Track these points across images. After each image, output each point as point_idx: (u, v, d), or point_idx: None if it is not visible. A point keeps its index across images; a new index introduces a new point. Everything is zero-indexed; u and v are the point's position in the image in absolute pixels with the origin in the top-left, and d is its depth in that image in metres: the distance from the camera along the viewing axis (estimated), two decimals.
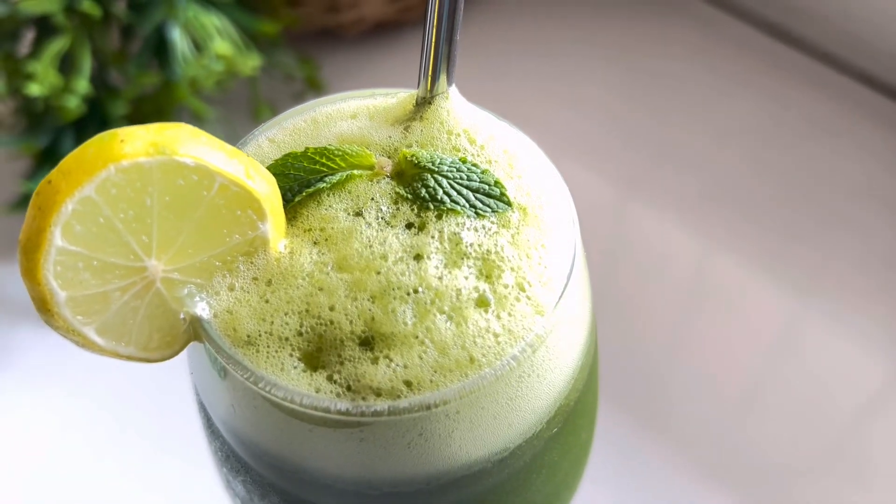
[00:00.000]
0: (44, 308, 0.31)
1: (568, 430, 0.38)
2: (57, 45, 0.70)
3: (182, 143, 0.31)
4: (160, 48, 0.72)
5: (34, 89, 0.69)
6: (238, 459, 0.37)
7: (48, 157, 0.74)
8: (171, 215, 0.32)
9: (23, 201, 0.75)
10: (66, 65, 0.71)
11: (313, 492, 0.35)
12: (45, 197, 0.30)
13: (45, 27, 0.73)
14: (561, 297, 0.33)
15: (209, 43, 0.71)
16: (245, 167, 0.32)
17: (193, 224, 0.32)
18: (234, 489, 0.40)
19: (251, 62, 0.73)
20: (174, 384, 0.67)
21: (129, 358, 0.34)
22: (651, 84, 0.87)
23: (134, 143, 0.31)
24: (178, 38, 0.71)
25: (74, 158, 0.30)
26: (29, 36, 0.75)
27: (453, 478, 0.34)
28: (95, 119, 0.74)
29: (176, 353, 0.34)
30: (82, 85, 0.70)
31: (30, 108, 0.74)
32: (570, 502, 0.44)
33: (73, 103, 0.69)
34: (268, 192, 0.33)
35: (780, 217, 0.76)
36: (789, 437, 0.63)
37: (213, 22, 0.72)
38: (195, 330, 0.33)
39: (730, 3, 0.90)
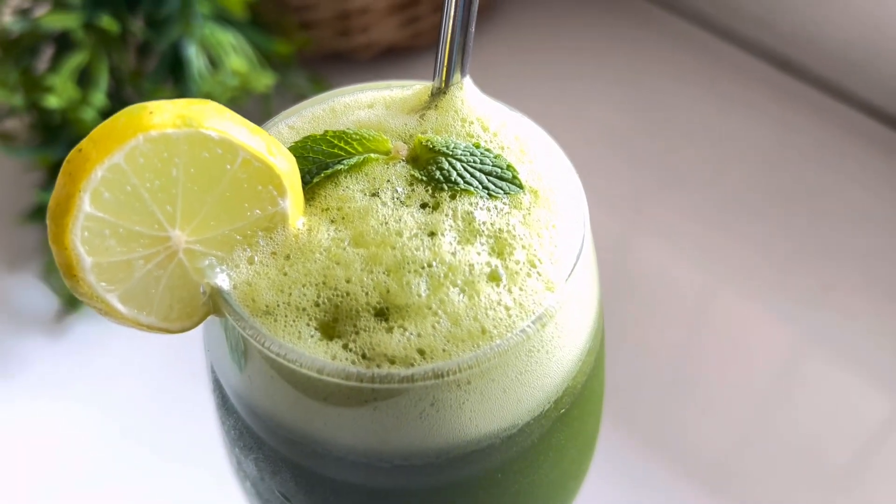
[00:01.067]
0: (69, 274, 0.32)
1: (575, 415, 0.39)
2: (75, 60, 0.72)
3: (208, 117, 0.33)
4: (176, 64, 0.74)
5: (52, 101, 0.71)
6: (251, 435, 0.37)
7: None
8: (196, 187, 0.33)
9: (37, 212, 0.76)
10: (84, 80, 0.73)
11: (325, 465, 0.36)
12: (75, 164, 0.31)
13: (64, 43, 0.75)
14: (570, 274, 0.34)
15: (225, 59, 0.73)
16: (267, 144, 0.34)
17: (216, 197, 0.33)
18: (245, 470, 0.40)
19: (265, 80, 0.75)
20: (183, 393, 0.68)
21: (150, 327, 0.34)
22: (656, 110, 0.88)
23: (162, 114, 0.32)
24: (194, 55, 0.73)
25: (105, 128, 0.32)
26: (47, 52, 0.77)
27: (463, 452, 0.35)
28: None
29: (195, 325, 0.35)
30: (99, 98, 0.72)
31: (46, 121, 0.76)
32: (575, 495, 0.45)
33: (90, 115, 0.71)
34: (288, 169, 0.34)
35: (784, 243, 0.77)
36: (794, 466, 0.64)
37: (228, 39, 0.74)
38: (215, 302, 0.34)
39: (734, 33, 0.93)
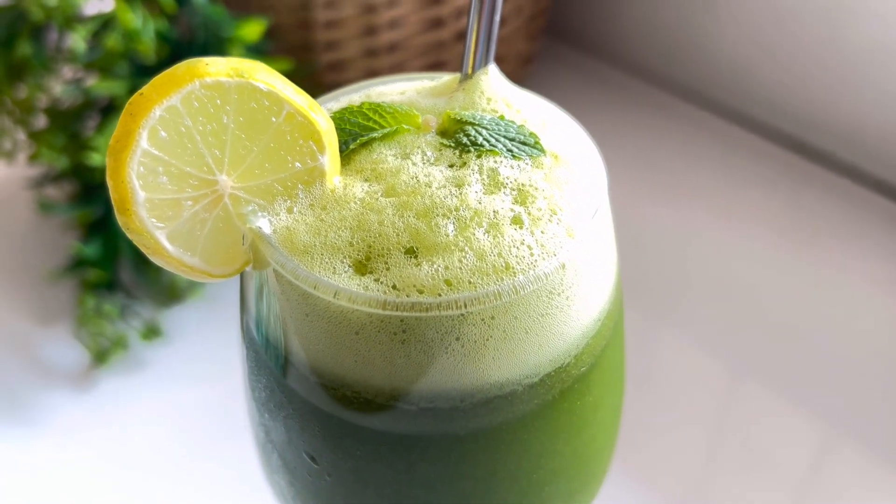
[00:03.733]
0: (123, 208, 0.35)
1: (595, 380, 0.40)
2: None
3: (258, 71, 0.36)
4: None
5: (95, 159, 0.75)
6: (282, 390, 0.39)
7: (100, 227, 0.79)
8: (243, 135, 0.36)
9: (73, 267, 0.79)
10: None
11: (353, 412, 0.37)
12: (136, 105, 0.35)
13: (110, 108, 0.80)
14: (590, 224, 0.36)
15: None
16: (310, 102, 0.37)
17: (262, 147, 0.36)
18: (273, 438, 0.42)
19: None
20: (208, 448, 0.70)
21: (192, 269, 0.37)
22: (669, 194, 0.92)
23: (217, 65, 0.35)
24: None
25: (165, 75, 0.35)
26: (95, 119, 0.82)
27: (486, 397, 0.36)
28: None
29: (234, 273, 0.38)
30: None
31: (87, 180, 0.80)
32: (596, 488, 0.46)
33: None
34: (327, 128, 0.37)
35: (806, 340, 0.76)
36: None
37: None
38: (255, 246, 0.36)
39: (748, 118, 0.97)
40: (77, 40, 0.75)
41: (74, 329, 0.79)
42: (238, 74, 0.35)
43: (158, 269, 0.80)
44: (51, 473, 0.70)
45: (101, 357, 0.77)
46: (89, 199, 0.80)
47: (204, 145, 0.35)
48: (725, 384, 0.73)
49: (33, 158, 0.82)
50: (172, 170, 0.35)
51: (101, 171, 0.78)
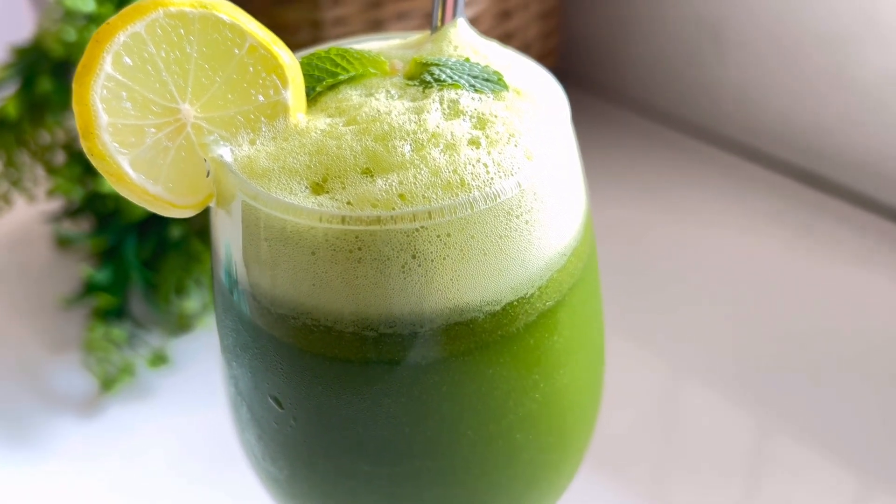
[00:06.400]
0: (87, 132, 0.36)
1: (564, 323, 0.39)
2: None
3: (222, 4, 0.37)
4: None
5: (108, 186, 0.76)
6: (247, 328, 0.39)
7: (112, 255, 0.80)
8: (206, 65, 0.37)
9: (83, 294, 0.80)
10: None
11: (314, 341, 0.37)
12: (102, 32, 0.36)
13: None
14: (550, 150, 0.36)
15: None
16: (273, 37, 0.38)
17: (224, 78, 0.37)
18: (241, 387, 0.41)
19: None
20: (211, 476, 0.69)
21: (156, 198, 0.37)
22: (680, 229, 0.91)
23: None
24: None
25: (132, 6, 0.36)
26: None
27: (446, 322, 0.36)
28: (157, 219, 0.80)
29: (198, 205, 0.38)
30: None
31: (100, 209, 0.81)
32: (573, 459, 0.44)
33: None
34: (290, 63, 0.38)
35: (822, 371, 0.74)
36: None
37: None
38: (216, 176, 0.37)
39: (757, 151, 0.97)
40: None
41: (82, 356, 0.79)
42: (201, 5, 0.36)
43: (168, 299, 0.81)
44: (56, 499, 0.69)
45: (107, 384, 0.77)
46: (102, 228, 0.81)
47: (167, 73, 0.36)
48: (752, 436, 0.70)
49: (51, 193, 0.84)
50: (136, 96, 0.36)
51: (114, 198, 0.79)
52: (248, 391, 0.41)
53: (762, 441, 0.68)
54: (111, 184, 0.37)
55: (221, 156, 0.37)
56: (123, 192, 0.37)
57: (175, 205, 0.38)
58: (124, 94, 0.36)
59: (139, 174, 0.37)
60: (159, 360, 0.79)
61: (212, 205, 0.39)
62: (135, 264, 0.80)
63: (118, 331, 0.78)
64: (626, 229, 0.90)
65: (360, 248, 0.34)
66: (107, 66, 0.35)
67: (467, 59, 0.40)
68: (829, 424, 0.68)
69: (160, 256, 0.81)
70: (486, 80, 0.39)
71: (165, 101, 0.37)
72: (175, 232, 0.80)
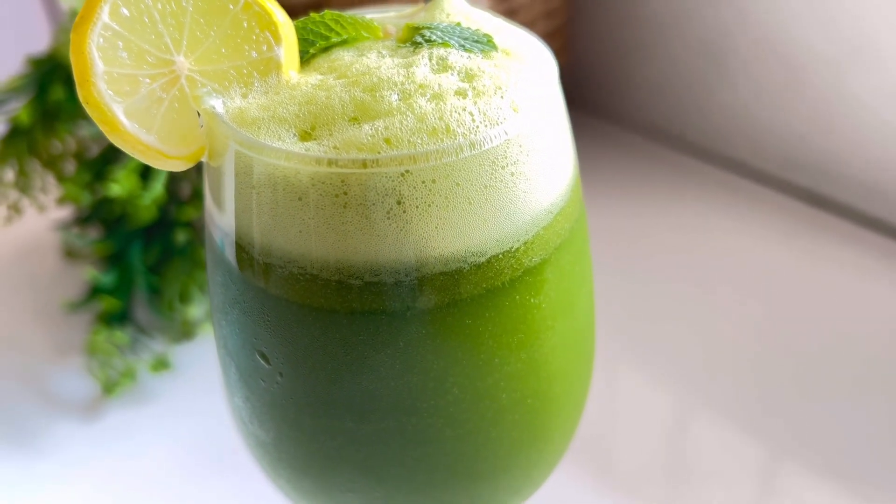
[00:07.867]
0: (83, 79, 0.37)
1: (551, 282, 0.39)
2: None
3: None
4: None
5: (115, 189, 0.77)
6: (234, 282, 0.39)
7: (117, 259, 0.81)
8: (202, 19, 0.38)
9: (88, 298, 0.81)
10: (147, 175, 0.80)
11: (300, 291, 0.37)
12: None
13: None
14: (537, 104, 0.37)
15: None
16: None
17: (219, 32, 0.38)
18: (229, 346, 0.41)
19: None
20: (211, 480, 0.69)
21: (149, 148, 0.38)
22: (686, 252, 0.91)
23: None
24: None
25: None
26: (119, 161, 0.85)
27: (431, 272, 0.36)
28: (163, 225, 0.81)
29: (190, 156, 0.39)
30: (157, 189, 0.78)
31: (107, 213, 0.82)
32: (564, 425, 0.44)
33: (146, 202, 0.77)
34: (284, 21, 0.39)
35: (830, 394, 0.73)
36: None
37: None
38: (207, 126, 0.38)
39: (763, 173, 0.97)
40: None
41: (85, 360, 0.79)
42: None
43: (172, 305, 0.81)
44: (57, 501, 0.69)
45: (109, 388, 0.77)
46: (109, 233, 0.82)
47: (163, 25, 0.37)
48: (760, 461, 0.69)
49: (61, 201, 0.85)
50: (132, 46, 0.37)
51: (121, 203, 0.80)
52: (237, 349, 0.41)
53: (760, 451, 0.68)
54: (105, 133, 0.38)
55: (213, 107, 0.37)
56: (117, 142, 0.38)
57: (167, 155, 0.38)
58: (120, 43, 0.37)
59: (133, 123, 0.37)
60: (161, 365, 0.79)
61: (204, 159, 0.39)
62: (140, 269, 0.81)
63: (121, 335, 0.78)
64: (631, 250, 0.90)
65: (345, 193, 0.35)
66: (104, 15, 0.36)
67: (458, 24, 0.41)
68: (827, 438, 0.68)
69: (165, 262, 0.82)
70: (476, 41, 0.39)
71: (161, 52, 0.37)
72: (180, 238, 0.81)
